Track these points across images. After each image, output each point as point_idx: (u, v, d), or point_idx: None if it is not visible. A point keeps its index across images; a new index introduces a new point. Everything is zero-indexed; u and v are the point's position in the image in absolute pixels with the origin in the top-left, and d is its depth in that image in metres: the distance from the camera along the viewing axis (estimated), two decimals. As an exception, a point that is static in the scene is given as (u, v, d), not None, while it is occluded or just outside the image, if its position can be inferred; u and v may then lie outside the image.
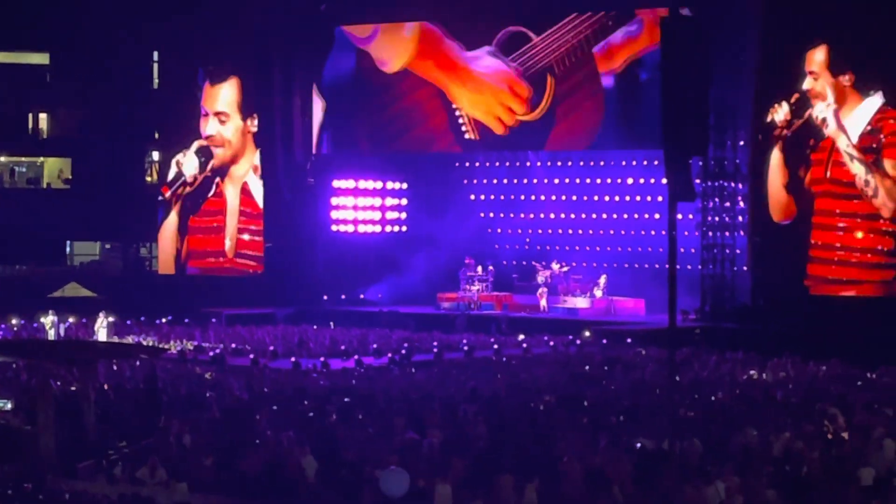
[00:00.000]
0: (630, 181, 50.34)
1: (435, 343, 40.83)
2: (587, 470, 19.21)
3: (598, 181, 51.37)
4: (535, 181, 53.00)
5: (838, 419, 23.36)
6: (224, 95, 53.21)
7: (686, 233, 44.95)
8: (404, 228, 55.13)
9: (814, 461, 19.91)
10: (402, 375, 33.54)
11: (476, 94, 49.02)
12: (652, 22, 44.75)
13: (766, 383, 30.77)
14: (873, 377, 31.54)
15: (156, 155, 59.88)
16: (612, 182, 50.91)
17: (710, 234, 44.97)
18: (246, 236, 53.52)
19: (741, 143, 44.64)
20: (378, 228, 54.78)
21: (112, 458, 21.58)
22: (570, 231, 52.24)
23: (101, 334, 42.18)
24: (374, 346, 40.48)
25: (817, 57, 42.02)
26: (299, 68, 52.64)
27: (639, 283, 48.60)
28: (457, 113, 49.43)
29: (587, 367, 34.11)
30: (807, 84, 42.18)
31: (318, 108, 52.21)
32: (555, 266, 49.32)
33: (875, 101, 41.14)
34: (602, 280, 48.37)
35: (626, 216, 50.56)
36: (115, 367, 32.87)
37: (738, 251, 45.00)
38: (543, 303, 48.30)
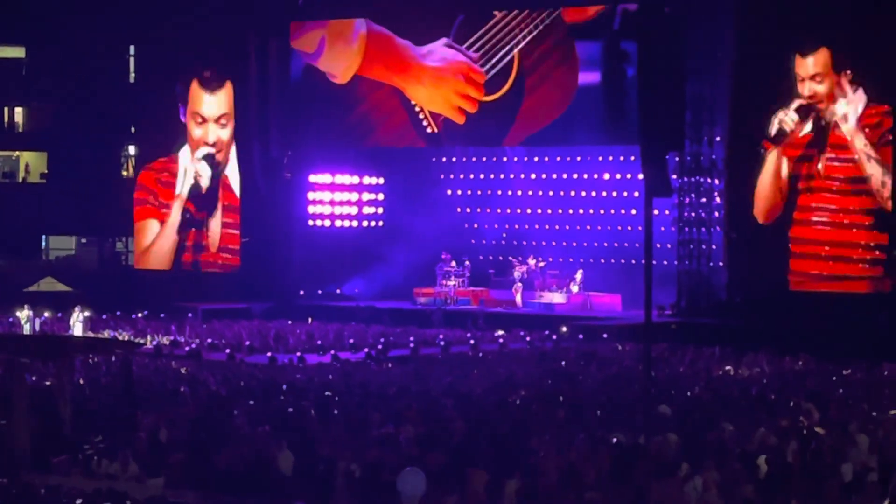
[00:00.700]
0: (607, 177, 50.43)
1: (411, 338, 40.85)
2: (563, 465, 19.22)
3: (575, 176, 51.43)
4: (511, 176, 53.09)
5: (813, 414, 23.44)
6: (221, 100, 52.78)
7: (662, 228, 44.98)
8: (381, 224, 55.15)
9: (791, 456, 19.96)
10: (378, 370, 33.55)
11: (432, 88, 48.64)
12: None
13: (742, 379, 30.88)
14: (848, 373, 31.65)
15: (132, 149, 59.74)
16: (589, 177, 50.98)
17: (687, 229, 45.07)
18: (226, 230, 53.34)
19: (718, 138, 44.72)
20: (355, 224, 54.77)
21: (87, 453, 21.51)
22: (547, 226, 52.29)
23: (77, 329, 42.05)
24: (351, 340, 40.49)
25: (819, 60, 41.90)
26: (275, 63, 52.43)
27: (615, 279, 48.68)
28: (416, 109, 49.26)
29: (563, 363, 34.17)
30: (808, 88, 42.02)
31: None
32: (531, 261, 49.37)
33: (860, 97, 41.15)
34: (578, 275, 48.42)
35: (602, 212, 50.66)
36: (90, 362, 32.82)
37: (714, 247, 45.12)
38: (519, 298, 48.36)
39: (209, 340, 41.29)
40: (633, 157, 47.40)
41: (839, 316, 39.90)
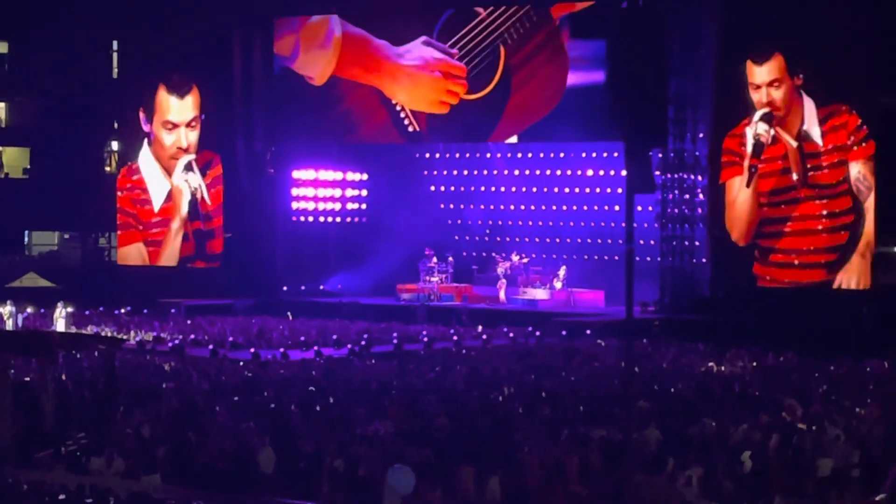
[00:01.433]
0: (590, 173, 50.41)
1: (395, 334, 40.81)
2: (547, 461, 19.24)
3: (559, 173, 51.43)
4: (494, 172, 53.07)
5: (796, 410, 23.49)
6: (189, 104, 52.61)
7: (646, 224, 45.07)
8: (364, 220, 55.12)
9: (772, 452, 20.02)
10: (362, 367, 33.54)
11: (411, 87, 48.64)
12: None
13: (725, 375, 30.93)
14: (831, 368, 31.73)
15: (115, 145, 59.61)
16: (573, 174, 50.97)
17: (670, 226, 45.09)
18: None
19: (701, 135, 44.77)
20: (338, 220, 54.72)
21: (70, 449, 21.49)
22: (530, 222, 52.33)
23: (60, 325, 42.00)
24: (334, 336, 40.45)
25: (776, 65, 42.07)
26: (259, 59, 52.32)
27: (598, 275, 48.69)
28: (397, 108, 49.21)
29: (546, 359, 34.17)
30: (764, 96, 42.20)
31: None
32: (514, 257, 49.36)
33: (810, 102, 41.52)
34: (562, 271, 48.42)
35: (585, 208, 50.64)
36: (73, 358, 32.76)
37: (697, 243, 45.18)
38: (502, 294, 48.37)
39: (192, 336, 41.22)
40: (616, 154, 47.48)
41: (822, 312, 39.99)
